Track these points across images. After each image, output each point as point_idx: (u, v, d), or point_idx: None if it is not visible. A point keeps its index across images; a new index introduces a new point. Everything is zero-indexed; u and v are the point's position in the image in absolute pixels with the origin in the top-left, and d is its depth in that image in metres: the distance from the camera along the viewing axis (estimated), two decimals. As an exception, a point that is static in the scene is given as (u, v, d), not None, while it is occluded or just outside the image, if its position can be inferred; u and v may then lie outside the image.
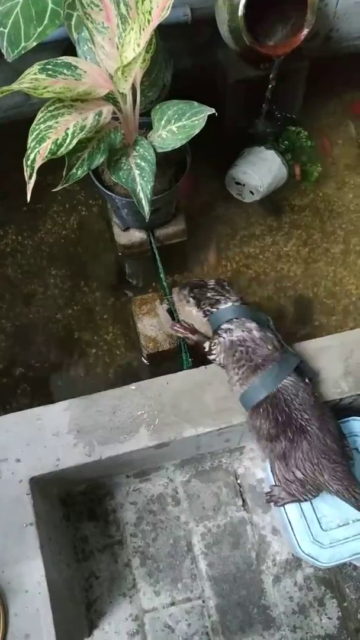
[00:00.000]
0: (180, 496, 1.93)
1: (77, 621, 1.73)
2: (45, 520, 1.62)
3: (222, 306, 1.58)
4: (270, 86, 2.04)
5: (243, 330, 1.55)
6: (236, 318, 1.55)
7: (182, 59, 2.22)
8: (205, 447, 1.88)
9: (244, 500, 1.92)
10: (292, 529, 1.62)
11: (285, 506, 1.64)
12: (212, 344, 1.59)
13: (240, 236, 2.32)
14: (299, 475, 1.49)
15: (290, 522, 1.62)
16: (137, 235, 1.96)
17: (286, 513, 1.64)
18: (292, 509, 1.63)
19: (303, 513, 1.63)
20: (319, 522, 1.62)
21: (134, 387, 1.68)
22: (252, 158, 2.21)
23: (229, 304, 1.59)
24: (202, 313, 1.61)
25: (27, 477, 1.57)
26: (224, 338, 1.55)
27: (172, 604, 1.82)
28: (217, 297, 1.60)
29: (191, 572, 1.85)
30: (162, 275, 1.88)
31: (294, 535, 1.61)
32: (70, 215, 2.37)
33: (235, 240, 2.31)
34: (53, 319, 2.20)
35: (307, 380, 1.55)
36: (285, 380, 1.49)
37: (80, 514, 1.92)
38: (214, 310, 1.59)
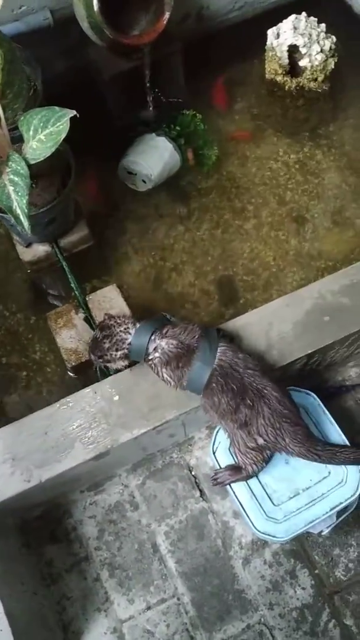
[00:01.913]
0: (138, 500, 1.91)
1: (52, 648, 1.70)
2: (2, 556, 1.58)
3: (130, 337, 1.54)
4: (146, 74, 2.01)
5: (163, 338, 1.53)
6: (151, 336, 1.53)
7: (55, 63, 2.18)
8: (151, 446, 1.86)
9: (201, 491, 1.91)
10: (244, 510, 1.62)
11: (235, 489, 1.63)
12: (155, 370, 1.57)
13: (152, 229, 2.30)
14: (261, 441, 1.49)
15: (241, 504, 1.62)
16: (41, 249, 1.92)
17: (236, 496, 1.63)
18: (241, 490, 1.63)
19: (253, 493, 1.62)
20: (270, 498, 1.62)
21: (59, 404, 1.65)
22: (143, 147, 2.19)
23: (131, 332, 1.55)
24: (124, 358, 1.57)
25: (-34, 515, 1.54)
26: (157, 358, 1.53)
27: (148, 608, 1.80)
28: (119, 337, 1.55)
29: (161, 572, 1.83)
30: (73, 285, 1.85)
31: (248, 516, 1.61)
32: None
33: (147, 234, 2.29)
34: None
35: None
36: (224, 352, 1.49)
37: (40, 538, 1.88)
38: (128, 347, 1.55)
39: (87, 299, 1.85)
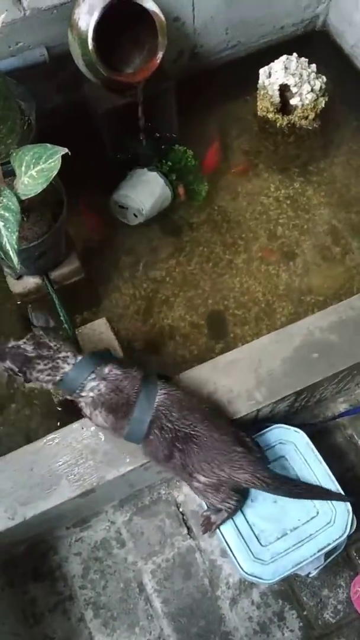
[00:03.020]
0: (125, 537, 1.88)
1: None
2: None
3: (67, 368, 1.44)
4: (140, 110, 2.04)
5: (103, 379, 1.45)
6: (90, 373, 1.45)
7: (51, 98, 2.21)
8: (139, 483, 1.84)
9: (188, 528, 1.88)
10: (231, 551, 1.59)
11: (222, 529, 1.61)
12: (83, 412, 1.51)
13: (144, 262, 2.31)
14: (203, 479, 1.46)
15: (228, 545, 1.60)
16: (31, 281, 1.92)
17: (223, 536, 1.61)
18: (228, 530, 1.61)
19: (240, 532, 1.60)
20: (258, 539, 1.60)
21: (46, 440, 1.63)
22: (134, 181, 2.20)
23: (70, 362, 1.44)
24: (47, 383, 1.46)
25: None
26: (91, 398, 1.46)
27: (133, 650, 1.76)
28: (56, 363, 1.43)
29: (147, 612, 1.79)
30: (62, 318, 1.84)
31: (234, 557, 1.58)
32: None
33: (139, 267, 2.30)
34: None
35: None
36: (162, 402, 1.46)
37: (24, 576, 1.85)
38: (61, 376, 1.44)
39: (76, 332, 1.84)
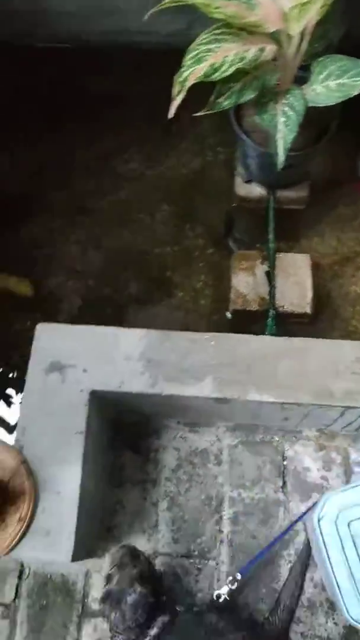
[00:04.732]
0: (224, 458, 1.91)
1: (94, 539, 1.77)
2: (94, 435, 1.65)
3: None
4: None
5: None
6: None
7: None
8: (263, 418, 1.84)
9: (284, 483, 1.88)
10: (339, 590, 1.51)
11: (334, 566, 1.53)
12: None
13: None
14: None
15: (338, 584, 1.51)
16: (257, 190, 1.91)
17: (333, 571, 1.52)
18: (340, 570, 1.52)
19: (352, 573, 1.51)
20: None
21: (209, 336, 1.66)
22: None
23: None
24: None
25: (89, 388, 1.60)
26: None
27: (187, 556, 1.82)
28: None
29: (213, 531, 1.84)
30: (271, 236, 1.82)
31: (342, 598, 1.50)
32: (195, 157, 2.34)
33: (354, 222, 2.20)
34: (150, 253, 2.21)
35: None
36: None
37: (124, 443, 1.95)
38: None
39: (276, 256, 1.83)
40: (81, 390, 1.60)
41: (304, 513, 1.78)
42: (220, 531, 1.83)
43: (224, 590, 1.59)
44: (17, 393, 2.14)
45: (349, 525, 1.54)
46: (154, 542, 1.83)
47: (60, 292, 2.24)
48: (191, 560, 1.81)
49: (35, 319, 1.74)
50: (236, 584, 1.61)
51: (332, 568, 1.53)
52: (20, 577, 1.81)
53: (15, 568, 1.80)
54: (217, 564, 1.81)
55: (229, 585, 1.60)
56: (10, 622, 1.77)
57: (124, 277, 2.19)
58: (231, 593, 1.59)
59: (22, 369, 1.67)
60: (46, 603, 1.78)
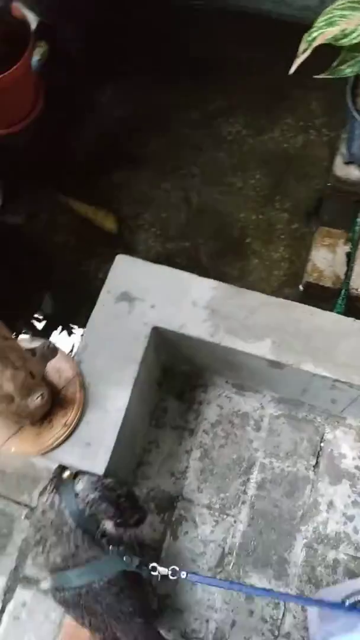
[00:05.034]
0: (263, 426, 1.95)
1: (125, 468, 1.85)
2: (147, 368, 1.72)
3: None
4: None
5: None
6: None
7: None
8: (310, 395, 1.86)
9: (317, 463, 1.90)
10: None
11: None
12: None
13: None
14: None
15: None
16: (356, 173, 1.91)
17: None
18: None
19: None
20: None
21: (277, 300, 1.69)
22: None
23: None
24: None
25: (152, 323, 1.67)
26: None
27: (208, 507, 1.88)
28: None
29: (237, 491, 1.88)
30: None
31: None
32: (299, 133, 2.36)
33: None
34: (235, 217, 2.24)
35: None
36: None
37: (172, 389, 2.01)
38: None
39: (360, 240, 1.83)
40: (145, 324, 1.67)
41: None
42: (245, 492, 1.88)
43: (163, 570, 1.42)
44: (79, 327, 2.24)
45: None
46: (179, 487, 1.90)
47: (141, 236, 2.32)
48: (210, 512, 1.87)
49: (114, 256, 1.81)
50: (175, 577, 1.41)
51: None
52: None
53: (47, 477, 1.91)
54: (235, 521, 1.86)
55: (169, 572, 1.42)
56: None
57: (205, 234, 2.24)
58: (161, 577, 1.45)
59: (93, 301, 1.74)
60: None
